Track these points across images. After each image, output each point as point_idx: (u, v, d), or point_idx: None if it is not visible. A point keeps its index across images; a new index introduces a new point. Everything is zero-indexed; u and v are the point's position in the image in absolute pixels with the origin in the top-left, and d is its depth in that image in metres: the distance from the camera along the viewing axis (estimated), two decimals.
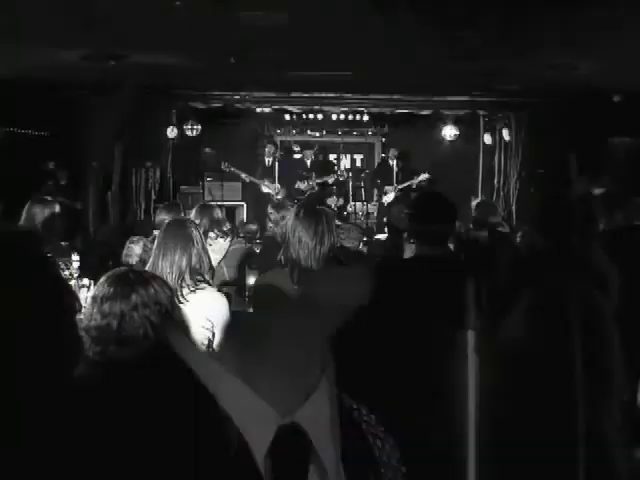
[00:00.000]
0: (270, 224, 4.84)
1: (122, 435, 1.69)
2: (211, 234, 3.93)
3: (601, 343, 1.49)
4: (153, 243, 3.23)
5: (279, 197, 9.93)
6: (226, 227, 4.05)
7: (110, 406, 1.72)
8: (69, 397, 1.74)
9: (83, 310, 2.13)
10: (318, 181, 10.88)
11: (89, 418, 1.70)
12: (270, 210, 4.87)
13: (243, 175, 10.75)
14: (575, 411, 1.47)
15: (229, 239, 4.06)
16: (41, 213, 4.27)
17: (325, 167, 11.58)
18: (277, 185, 10.54)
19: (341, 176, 11.37)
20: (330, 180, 11.06)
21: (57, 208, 4.41)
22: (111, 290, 1.90)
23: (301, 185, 10.78)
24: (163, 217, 4.46)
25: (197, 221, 3.90)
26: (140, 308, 1.88)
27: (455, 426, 1.59)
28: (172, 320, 1.97)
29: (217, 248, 3.95)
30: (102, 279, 1.97)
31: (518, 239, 5.44)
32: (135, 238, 4.58)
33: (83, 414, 1.71)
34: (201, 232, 3.21)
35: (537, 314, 1.53)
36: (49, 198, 4.53)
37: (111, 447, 1.68)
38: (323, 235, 2.96)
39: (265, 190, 10.54)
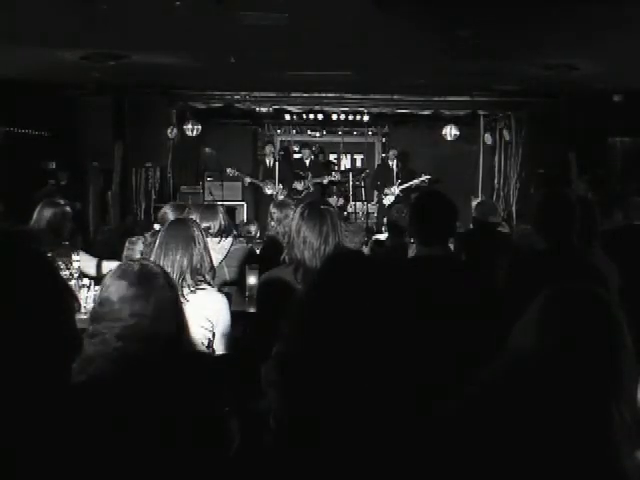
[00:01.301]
0: (272, 223, 4.83)
1: (137, 432, 1.70)
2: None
3: (615, 343, 1.49)
4: (153, 237, 3.23)
5: (281, 197, 9.93)
6: (234, 231, 4.06)
7: (131, 402, 1.72)
8: (85, 393, 1.74)
9: (87, 308, 2.12)
10: (314, 181, 10.89)
11: (105, 415, 1.70)
12: (273, 209, 4.85)
13: (247, 179, 10.75)
14: (587, 410, 1.47)
15: (231, 239, 4.05)
16: (52, 215, 4.29)
17: (323, 167, 11.57)
18: (279, 186, 10.54)
19: (335, 176, 11.36)
20: (325, 181, 11.06)
21: (68, 211, 4.44)
22: (130, 288, 1.87)
23: (298, 185, 10.78)
24: (166, 211, 4.46)
25: (207, 224, 3.90)
26: (158, 303, 1.87)
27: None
28: (182, 314, 1.97)
29: (218, 248, 3.95)
30: (114, 275, 1.92)
31: (518, 239, 5.43)
32: (134, 239, 4.59)
33: (99, 411, 1.71)
34: (204, 233, 3.20)
35: (554, 313, 1.53)
36: (61, 201, 4.55)
37: (124, 443, 1.68)
38: (328, 235, 2.97)
39: (268, 192, 10.54)
